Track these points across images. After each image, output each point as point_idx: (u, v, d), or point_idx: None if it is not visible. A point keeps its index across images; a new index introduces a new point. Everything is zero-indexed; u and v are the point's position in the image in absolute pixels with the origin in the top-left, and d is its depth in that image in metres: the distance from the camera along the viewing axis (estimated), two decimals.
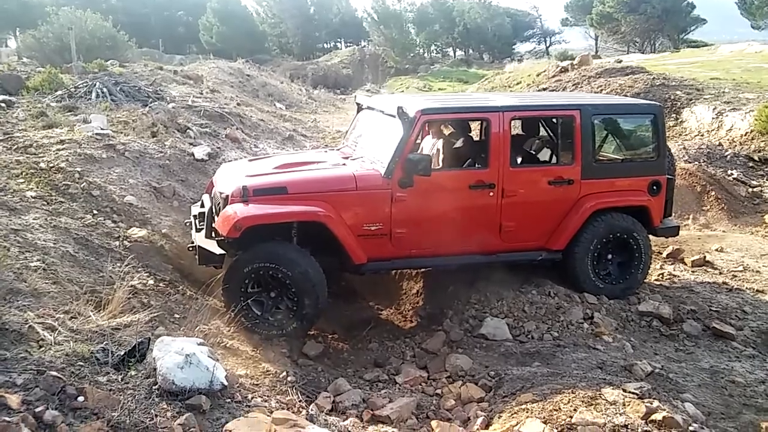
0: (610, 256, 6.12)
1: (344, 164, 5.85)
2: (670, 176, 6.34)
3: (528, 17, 58.75)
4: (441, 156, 6.41)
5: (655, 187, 6.11)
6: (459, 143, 6.95)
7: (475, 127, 6.88)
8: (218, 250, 5.27)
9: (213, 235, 5.44)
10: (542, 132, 6.73)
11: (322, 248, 5.41)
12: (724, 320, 5.69)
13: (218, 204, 5.56)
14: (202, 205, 6.15)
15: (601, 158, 6.23)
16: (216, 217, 5.47)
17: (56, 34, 22.77)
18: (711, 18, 49.52)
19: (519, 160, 6.29)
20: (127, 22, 35.71)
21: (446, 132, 7.24)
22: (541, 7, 59.48)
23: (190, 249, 5.80)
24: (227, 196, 5.37)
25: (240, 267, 5.18)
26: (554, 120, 6.16)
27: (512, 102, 6.14)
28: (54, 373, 2.99)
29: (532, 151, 6.56)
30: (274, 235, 5.34)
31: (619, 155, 6.49)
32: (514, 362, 4.85)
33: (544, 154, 6.52)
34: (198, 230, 5.81)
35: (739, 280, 6.74)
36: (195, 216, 6.11)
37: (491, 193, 5.63)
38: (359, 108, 6.79)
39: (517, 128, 6.74)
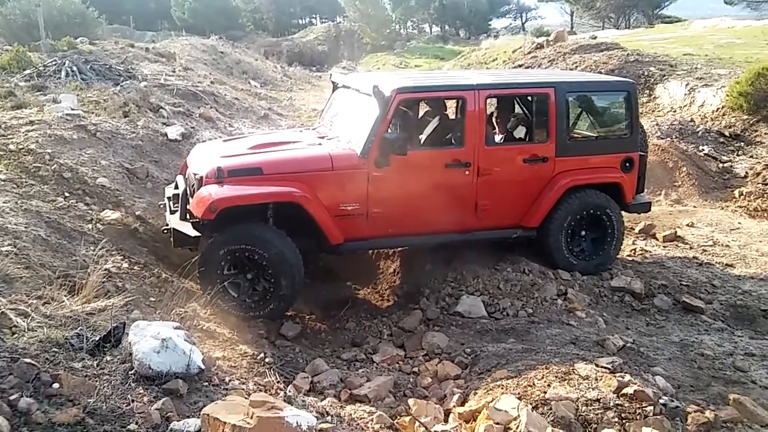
0: (583, 233, 6.19)
1: (320, 144, 5.82)
2: (642, 153, 6.42)
3: None
4: (417, 134, 6.38)
5: (627, 164, 6.18)
6: (434, 121, 6.94)
7: (450, 105, 6.86)
8: (193, 232, 5.23)
9: (188, 217, 5.40)
10: (517, 109, 6.75)
11: (298, 229, 5.40)
12: (694, 294, 5.82)
13: (192, 185, 5.51)
14: (176, 187, 6.08)
15: (575, 136, 6.28)
16: (190, 198, 5.43)
17: (23, 10, 22.15)
18: None
19: (495, 138, 6.31)
20: None
21: (422, 110, 7.23)
22: None
23: (165, 231, 5.75)
24: (201, 177, 5.32)
25: (215, 249, 5.15)
26: (529, 98, 6.18)
27: (487, 80, 6.14)
28: (28, 360, 2.97)
29: (507, 129, 6.57)
30: (250, 216, 5.31)
31: (593, 132, 6.55)
32: (489, 339, 4.92)
33: (519, 132, 6.54)
34: (172, 212, 5.75)
35: (709, 254, 6.87)
36: (169, 198, 6.05)
37: (467, 172, 5.66)
38: (335, 86, 6.73)
39: (492, 105, 6.75)
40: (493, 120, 6.57)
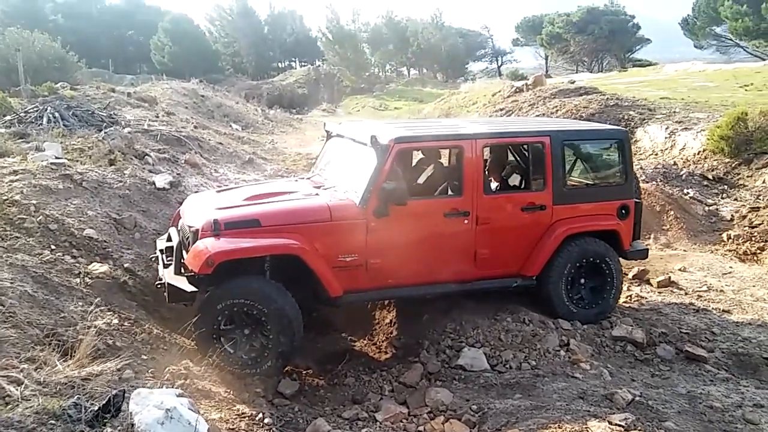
0: (583, 281, 6.16)
1: (317, 194, 5.74)
2: (637, 200, 6.44)
3: (480, 37, 60.01)
4: (412, 183, 6.35)
5: (624, 211, 6.20)
6: (429, 170, 6.92)
7: (445, 153, 6.85)
8: (189, 287, 5.08)
9: (182, 271, 5.25)
10: (510, 157, 6.76)
11: (295, 281, 5.28)
12: (695, 342, 5.78)
13: (187, 238, 5.37)
14: (169, 239, 5.93)
15: (571, 184, 6.30)
16: (185, 252, 5.29)
17: (2, 55, 22.06)
18: (654, 37, 51.41)
19: (492, 187, 6.30)
20: (76, 41, 34.85)
21: (415, 158, 7.20)
22: (492, 27, 60.93)
23: (159, 286, 5.58)
24: (197, 229, 5.20)
25: (212, 303, 5.01)
26: (525, 146, 6.19)
27: (484, 129, 6.16)
28: None
29: (502, 177, 6.58)
30: (246, 269, 5.18)
31: (589, 180, 6.60)
32: (495, 394, 4.79)
33: (514, 180, 6.56)
34: (166, 266, 5.60)
35: (705, 300, 6.87)
36: (162, 250, 5.90)
37: (466, 221, 5.63)
38: (328, 135, 6.69)
39: (487, 154, 6.75)
40: (489, 169, 6.55)
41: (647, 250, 6.71)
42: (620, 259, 6.29)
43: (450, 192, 5.97)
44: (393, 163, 5.47)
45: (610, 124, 14.41)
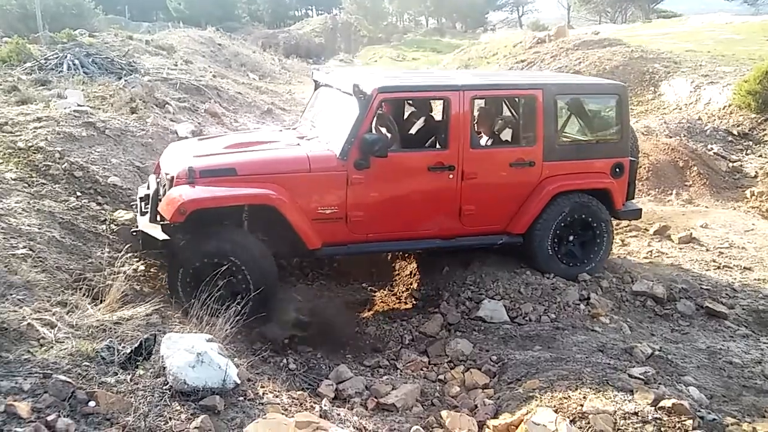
0: (571, 239, 5.99)
1: (298, 145, 5.61)
2: (633, 159, 6.23)
3: None
4: (400, 136, 6.11)
5: (617, 170, 5.99)
6: (419, 123, 6.75)
7: (437, 106, 6.68)
8: (162, 236, 4.93)
9: (158, 219, 5.13)
10: (505, 112, 6.55)
11: (274, 233, 5.20)
12: (715, 299, 5.77)
13: (164, 186, 5.24)
14: (149, 187, 5.75)
15: (563, 140, 6.03)
16: (162, 199, 5.15)
17: (19, 1, 21.89)
18: None
19: (480, 141, 6.12)
20: None
21: (407, 111, 7.05)
22: None
23: (134, 233, 5.46)
24: (173, 177, 5.06)
25: (186, 253, 4.92)
26: (516, 99, 5.99)
27: (473, 81, 5.92)
28: (62, 377, 2.88)
29: (493, 132, 6.35)
30: (223, 219, 5.10)
31: (582, 137, 6.32)
32: (514, 346, 4.85)
33: (506, 135, 6.33)
34: (143, 214, 5.47)
35: (726, 257, 6.83)
36: (141, 198, 5.73)
37: (451, 176, 5.47)
38: (317, 85, 6.49)
39: (478, 107, 6.51)
40: (478, 122, 6.37)
41: (640, 210, 6.50)
42: (613, 218, 6.14)
43: (436, 145, 5.77)
44: (376, 113, 5.33)
45: (634, 76, 14.20)
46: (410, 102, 6.93)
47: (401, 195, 5.42)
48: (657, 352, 4.63)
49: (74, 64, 11.49)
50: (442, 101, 5.66)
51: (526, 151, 5.70)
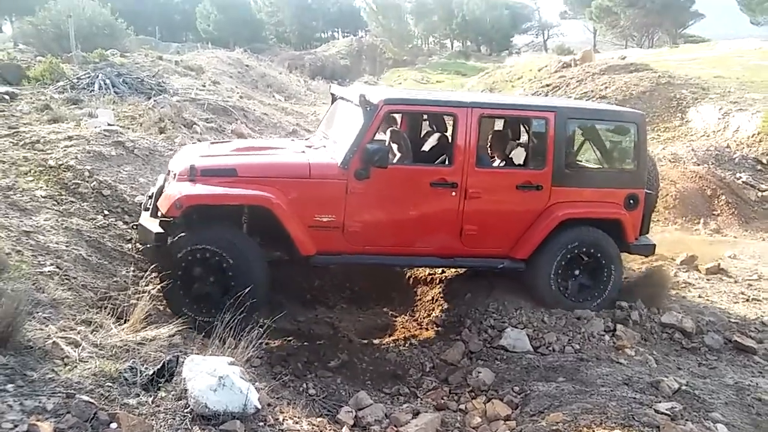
0: (577, 272, 5.79)
1: (303, 152, 5.64)
2: (649, 191, 6.00)
3: (526, 9, 58.51)
4: (407, 150, 6.03)
5: (632, 201, 5.76)
6: (431, 140, 6.69)
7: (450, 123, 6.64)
8: (156, 228, 5.03)
9: (157, 213, 5.20)
10: (519, 134, 6.46)
11: (272, 238, 5.21)
12: (744, 333, 5.65)
13: (168, 183, 5.34)
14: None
15: (574, 165, 5.91)
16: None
17: (54, 21, 22.49)
18: (708, 12, 49.50)
19: (488, 161, 6.03)
20: (124, 8, 35.18)
21: (424, 128, 7.07)
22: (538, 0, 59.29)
23: (134, 227, 5.54)
24: (175, 174, 5.17)
25: (178, 247, 4.94)
26: (527, 121, 5.89)
27: (482, 99, 5.85)
28: (85, 398, 2.90)
29: (505, 153, 6.26)
30: (222, 219, 5.13)
31: (595, 164, 6.20)
32: (537, 376, 4.77)
33: (518, 157, 6.19)
34: (147, 209, 5.55)
35: (755, 289, 6.70)
36: (150, 196, 5.77)
37: (453, 193, 5.37)
38: (333, 98, 6.53)
39: (491, 127, 6.51)
40: (492, 145, 6.33)
41: (654, 246, 6.13)
42: (624, 253, 5.92)
43: (442, 162, 5.70)
44: (380, 124, 5.34)
45: (661, 102, 14.10)
46: (426, 119, 6.94)
47: (401, 209, 5.38)
48: (684, 387, 4.52)
49: (105, 84, 11.69)
50: (449, 117, 5.64)
51: (534, 174, 5.56)
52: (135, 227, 5.57)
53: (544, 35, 57.69)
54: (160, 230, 5.04)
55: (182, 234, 4.99)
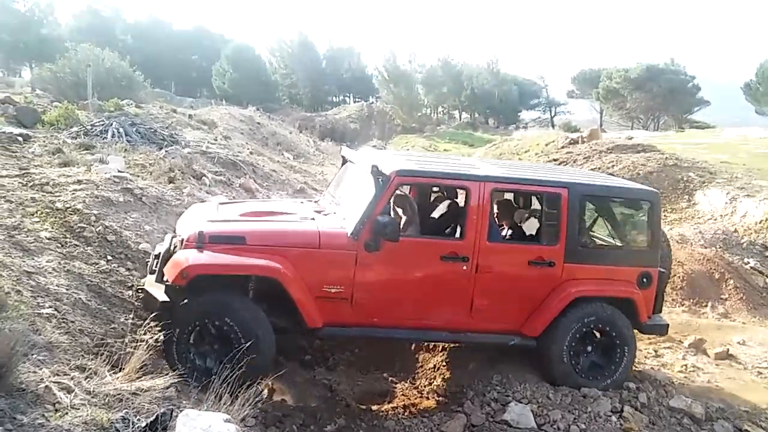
0: (590, 349, 5.66)
1: (312, 219, 5.54)
2: (662, 269, 5.89)
3: (534, 86, 60.03)
4: (417, 222, 5.93)
5: (645, 280, 5.65)
6: (442, 208, 6.64)
7: (462, 192, 6.56)
8: (162, 296, 4.90)
9: (163, 279, 5.07)
10: (530, 206, 6.42)
11: (278, 307, 5.08)
12: (755, 422, 5.45)
13: (175, 247, 5.23)
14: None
15: (587, 242, 5.82)
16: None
17: (73, 69, 22.97)
18: (712, 100, 50.61)
19: (500, 234, 5.93)
20: (142, 61, 36.11)
21: (433, 197, 7.03)
22: (547, 78, 60.86)
23: (138, 291, 5.42)
24: (182, 239, 5.06)
25: (185, 315, 4.85)
26: (539, 196, 5.80)
27: (496, 172, 5.78)
28: None
29: (517, 226, 6.21)
30: (229, 287, 5.02)
31: (608, 241, 6.13)
32: None
33: (529, 228, 6.12)
34: (152, 272, 5.43)
35: (765, 377, 6.52)
36: (156, 256, 5.59)
37: (464, 267, 5.27)
38: (344, 161, 6.49)
39: (501, 199, 6.43)
40: (500, 212, 6.26)
41: (667, 326, 6.03)
42: (637, 331, 5.78)
43: (453, 234, 5.63)
44: (392, 195, 5.29)
45: (668, 183, 14.17)
46: (437, 187, 6.89)
47: (411, 282, 5.28)
48: None
49: (119, 132, 11.85)
50: (461, 190, 5.59)
51: (547, 249, 5.45)
52: (140, 291, 5.45)
53: (551, 112, 58.96)
54: (166, 298, 4.93)
55: (188, 302, 4.91)
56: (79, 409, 3.22)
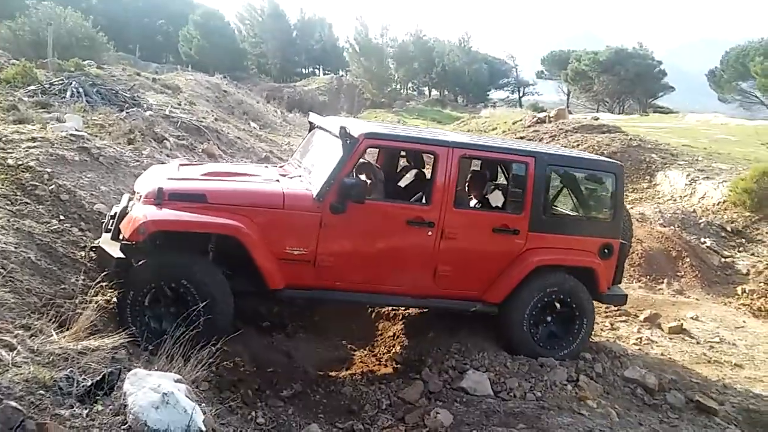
0: (549, 319, 5.72)
1: (277, 180, 5.46)
2: (624, 241, 5.99)
3: (504, 66, 60.09)
4: (382, 186, 5.92)
5: (606, 250, 5.72)
6: (409, 176, 6.64)
7: (430, 162, 6.59)
8: (117, 254, 4.73)
9: (119, 236, 4.93)
10: (500, 177, 6.46)
11: (240, 269, 4.99)
12: (705, 393, 5.57)
13: (132, 204, 5.10)
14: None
15: (552, 212, 5.87)
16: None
17: (33, 28, 22.16)
18: (677, 86, 51.42)
19: (467, 202, 5.98)
20: (106, 24, 34.86)
21: (401, 164, 7.02)
22: (517, 58, 60.93)
23: (92, 249, 5.26)
24: (141, 196, 4.93)
25: (141, 275, 4.70)
26: (506, 165, 5.85)
27: (464, 139, 5.78)
28: (12, 404, 2.64)
29: (483, 195, 6.22)
30: (188, 246, 4.90)
31: (572, 212, 6.19)
32: (497, 421, 4.60)
33: (496, 199, 6.13)
34: (108, 230, 5.27)
35: (717, 351, 6.69)
36: (112, 216, 5.41)
37: (429, 232, 5.26)
38: (311, 126, 6.41)
39: (470, 168, 6.47)
40: (470, 185, 6.28)
41: (626, 296, 6.21)
42: (595, 301, 5.85)
43: (420, 200, 5.61)
44: (360, 158, 5.24)
45: (631, 163, 14.35)
46: (404, 155, 6.83)
47: (375, 246, 5.24)
48: None
49: (78, 92, 11.42)
50: (430, 156, 5.55)
51: (512, 218, 5.48)
52: (94, 249, 5.26)
53: (519, 92, 59.14)
54: (122, 255, 4.76)
55: (144, 262, 4.74)
56: (20, 366, 3.08)
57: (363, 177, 5.77)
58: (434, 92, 59.11)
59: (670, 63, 52.98)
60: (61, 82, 12.01)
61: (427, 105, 48.83)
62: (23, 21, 22.91)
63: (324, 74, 58.65)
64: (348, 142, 5.10)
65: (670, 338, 6.90)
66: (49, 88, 11.63)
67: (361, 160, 6.04)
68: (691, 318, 7.62)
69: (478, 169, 6.52)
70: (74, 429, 2.71)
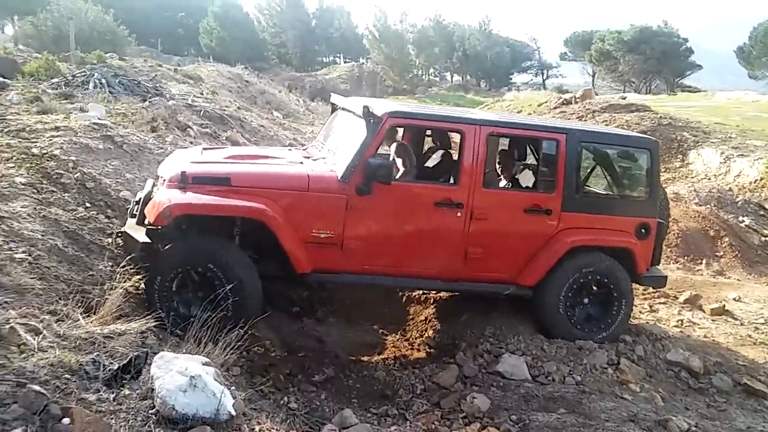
0: (586, 301, 5.50)
1: (301, 163, 5.33)
2: (661, 221, 5.73)
3: (527, 48, 59.31)
4: (408, 164, 5.76)
5: (643, 230, 5.49)
6: (436, 157, 6.46)
7: (457, 142, 6.40)
8: (143, 238, 4.66)
9: (144, 221, 4.85)
10: (530, 156, 6.23)
11: (265, 252, 4.89)
12: (753, 376, 5.33)
13: (156, 189, 5.01)
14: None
15: (585, 191, 5.67)
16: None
17: (55, 23, 22.36)
18: (704, 65, 50.25)
19: (497, 181, 5.78)
20: (127, 18, 35.05)
21: (427, 144, 6.85)
22: (540, 40, 60.11)
23: (119, 235, 5.18)
24: (165, 180, 4.84)
25: (169, 260, 4.65)
26: (537, 142, 5.63)
27: (492, 117, 5.57)
28: (36, 388, 2.54)
29: (513, 175, 6.02)
30: (213, 230, 4.81)
31: (607, 190, 5.95)
32: (536, 406, 4.43)
33: (526, 179, 5.94)
34: (133, 215, 5.20)
35: (762, 333, 6.41)
36: (137, 201, 5.35)
37: (459, 214, 5.08)
38: (333, 108, 6.26)
39: (499, 147, 6.25)
40: (500, 164, 6.08)
41: (665, 278, 5.93)
42: (634, 283, 5.64)
43: (448, 180, 5.41)
44: (384, 138, 5.08)
45: (663, 142, 13.96)
46: (430, 135, 6.67)
47: (403, 228, 5.07)
48: (693, 428, 4.21)
49: (101, 83, 11.41)
50: (457, 135, 5.36)
51: (544, 197, 5.28)
52: (120, 234, 5.20)
53: (543, 75, 58.33)
54: (147, 240, 4.68)
55: (170, 247, 4.67)
56: (46, 351, 3.00)
57: (399, 162, 5.63)
58: (456, 77, 58.58)
59: (694, 43, 51.65)
60: (83, 74, 12.00)
61: (449, 90, 48.39)
62: (45, 17, 23.08)
63: (345, 62, 58.35)
64: (372, 121, 4.94)
65: (713, 320, 6.64)
66: (72, 79, 11.63)
67: (397, 142, 5.89)
68: (734, 299, 7.33)
69: (506, 148, 6.31)
70: (100, 413, 2.61)
